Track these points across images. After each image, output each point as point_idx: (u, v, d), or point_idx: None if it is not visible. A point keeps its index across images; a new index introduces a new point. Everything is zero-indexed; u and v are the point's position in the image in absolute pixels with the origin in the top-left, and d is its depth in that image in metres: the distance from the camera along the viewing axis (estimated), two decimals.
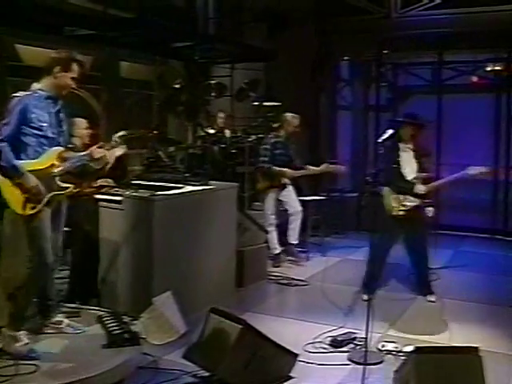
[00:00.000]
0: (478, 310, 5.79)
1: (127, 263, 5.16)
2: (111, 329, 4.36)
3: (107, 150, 4.37)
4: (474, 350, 3.67)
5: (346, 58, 11.32)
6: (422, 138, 5.78)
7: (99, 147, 4.31)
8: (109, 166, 4.83)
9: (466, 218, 10.19)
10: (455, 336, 4.95)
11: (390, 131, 4.84)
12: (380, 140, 4.83)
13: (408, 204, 5.58)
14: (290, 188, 7.50)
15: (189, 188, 5.72)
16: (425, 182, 5.61)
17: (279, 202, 7.53)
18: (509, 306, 5.86)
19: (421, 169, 5.65)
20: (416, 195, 5.56)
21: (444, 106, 10.24)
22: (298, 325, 5.31)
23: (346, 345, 4.73)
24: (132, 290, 5.13)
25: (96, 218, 5.30)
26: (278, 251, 7.48)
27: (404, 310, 5.72)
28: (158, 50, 8.79)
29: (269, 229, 7.34)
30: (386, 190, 5.64)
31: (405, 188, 5.57)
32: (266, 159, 7.44)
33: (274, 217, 7.46)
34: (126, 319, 4.62)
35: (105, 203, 5.32)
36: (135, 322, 4.67)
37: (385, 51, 10.61)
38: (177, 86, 7.90)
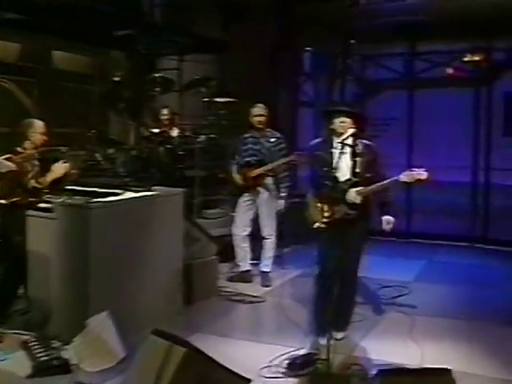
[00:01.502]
0: (453, 327, 5.83)
1: (59, 279, 5.08)
2: (38, 355, 4.29)
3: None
4: (446, 372, 3.70)
5: (308, 49, 11.34)
6: (367, 133, 5.49)
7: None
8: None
9: (441, 225, 10.29)
10: (427, 356, 4.97)
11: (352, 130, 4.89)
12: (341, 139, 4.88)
13: (332, 215, 5.01)
14: (265, 196, 7.22)
15: (130, 194, 5.69)
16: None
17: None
18: (487, 321, 5.95)
19: (360, 172, 5.08)
20: (348, 203, 5.04)
21: (417, 101, 10.36)
22: (253, 346, 5.30)
23: (305, 368, 4.71)
24: (64, 310, 5.06)
25: (23, 227, 5.22)
26: (246, 268, 7.39)
27: (371, 328, 5.76)
28: (96, 39, 8.69)
29: (236, 241, 7.28)
30: (309, 196, 5.30)
31: (335, 195, 5.04)
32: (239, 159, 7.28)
33: (243, 226, 7.27)
34: (56, 344, 4.55)
35: (34, 211, 5.26)
36: (67, 346, 4.60)
37: (351, 41, 10.65)
38: (117, 79, 7.84)
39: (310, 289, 6.23)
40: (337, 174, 5.02)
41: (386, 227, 5.08)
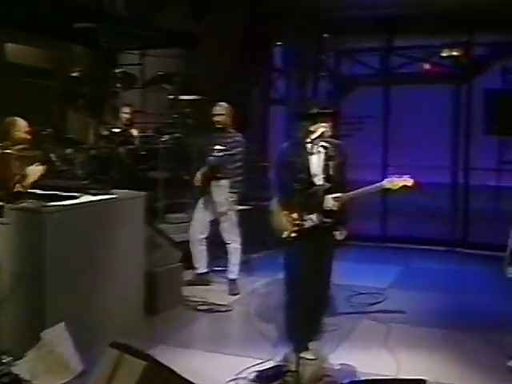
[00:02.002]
0: (429, 336, 5.87)
1: (11, 289, 5.00)
2: None
3: None
4: (422, 383, 3.74)
5: (280, 43, 11.33)
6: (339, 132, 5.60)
7: None
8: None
9: (419, 228, 10.38)
10: (403, 366, 5.02)
11: (322, 128, 4.85)
12: (311, 139, 4.84)
13: (305, 223, 4.92)
14: (223, 200, 7.26)
15: (88, 198, 5.65)
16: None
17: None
18: (464, 329, 6.00)
19: (333, 176, 5.03)
20: (324, 211, 4.98)
21: (394, 98, 10.44)
22: (219, 358, 5.30)
23: (274, 381, 4.71)
24: (16, 322, 4.98)
25: None
26: (203, 270, 7.47)
27: (344, 338, 5.78)
28: (53, 31, 8.59)
29: (193, 243, 7.35)
30: (275, 203, 5.20)
31: (310, 201, 4.96)
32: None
33: (199, 229, 7.36)
34: (6, 359, 4.50)
35: None
36: (18, 362, 4.55)
37: (325, 35, 10.72)
38: (76, 74, 7.79)
39: (280, 297, 6.27)
40: (312, 179, 5.00)
41: (340, 237, 5.10)
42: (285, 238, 4.99)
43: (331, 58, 11.60)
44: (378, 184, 4.86)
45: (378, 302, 6.82)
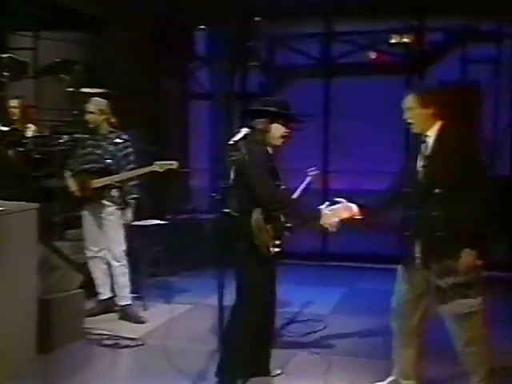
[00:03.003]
0: (373, 368, 5.88)
1: None
2: None
3: None
4: None
5: (203, 28, 11.40)
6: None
7: None
8: None
9: (365, 243, 10.41)
10: None
11: (244, 131, 4.95)
12: (232, 141, 4.89)
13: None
14: (110, 212, 7.25)
15: None
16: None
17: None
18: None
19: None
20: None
21: (336, 91, 10.54)
22: None
23: None
24: None
25: None
26: (106, 296, 7.44)
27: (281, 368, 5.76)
28: None
29: (90, 263, 7.32)
30: (257, 212, 5.23)
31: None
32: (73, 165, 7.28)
33: (92, 247, 7.34)
34: None
35: None
36: None
37: (256, 19, 10.82)
38: None
39: (205, 325, 6.24)
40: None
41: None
42: (270, 254, 5.12)
43: (263, 46, 11.70)
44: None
45: (318, 331, 6.83)
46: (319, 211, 5.08)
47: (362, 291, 8.77)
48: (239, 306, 5.19)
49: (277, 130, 5.18)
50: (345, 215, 5.07)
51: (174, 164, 6.87)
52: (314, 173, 6.17)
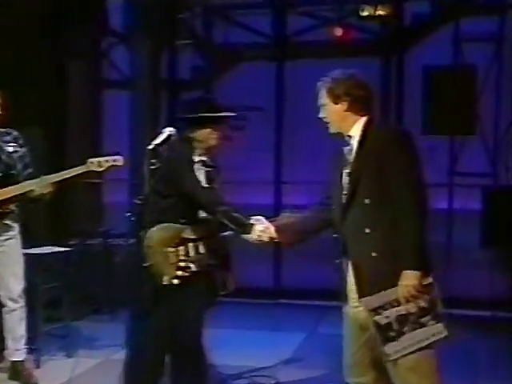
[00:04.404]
0: None
1: None
2: None
3: None
4: None
5: None
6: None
7: None
8: None
9: (328, 275, 10.23)
10: None
11: (168, 131, 5.05)
12: (152, 145, 4.94)
13: (191, 265, 5.29)
14: (11, 235, 6.93)
15: None
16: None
17: None
18: None
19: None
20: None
21: (292, 77, 10.42)
22: None
23: None
24: None
25: None
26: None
27: None
28: None
29: None
30: (155, 233, 5.36)
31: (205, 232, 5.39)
32: None
33: None
34: None
35: None
36: None
37: None
38: None
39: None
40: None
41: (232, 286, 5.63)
42: (166, 285, 5.21)
43: (199, 19, 11.63)
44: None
45: None
46: (251, 223, 5.09)
47: (327, 337, 8.46)
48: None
49: (206, 135, 5.37)
50: (277, 238, 5.10)
51: (118, 160, 6.14)
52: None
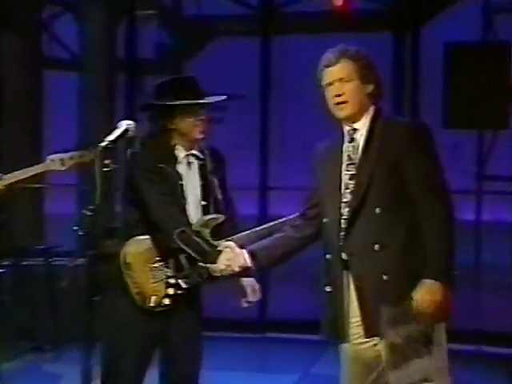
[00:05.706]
0: None
1: None
2: None
3: None
4: None
5: None
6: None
7: None
8: None
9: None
10: None
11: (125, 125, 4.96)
12: (105, 143, 4.87)
13: (183, 285, 5.38)
14: None
15: None
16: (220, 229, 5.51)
17: None
18: None
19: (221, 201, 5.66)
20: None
21: (279, 56, 10.63)
22: None
23: None
24: None
25: None
26: None
27: None
28: None
29: None
30: (131, 248, 5.45)
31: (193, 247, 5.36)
32: None
33: None
34: None
35: None
36: None
37: None
38: None
39: None
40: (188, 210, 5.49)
41: (252, 298, 5.57)
42: (153, 307, 5.33)
43: None
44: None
45: None
46: (217, 251, 5.19)
47: (322, 380, 8.59)
48: None
49: (190, 126, 5.44)
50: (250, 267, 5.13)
51: (85, 156, 5.73)
52: None
